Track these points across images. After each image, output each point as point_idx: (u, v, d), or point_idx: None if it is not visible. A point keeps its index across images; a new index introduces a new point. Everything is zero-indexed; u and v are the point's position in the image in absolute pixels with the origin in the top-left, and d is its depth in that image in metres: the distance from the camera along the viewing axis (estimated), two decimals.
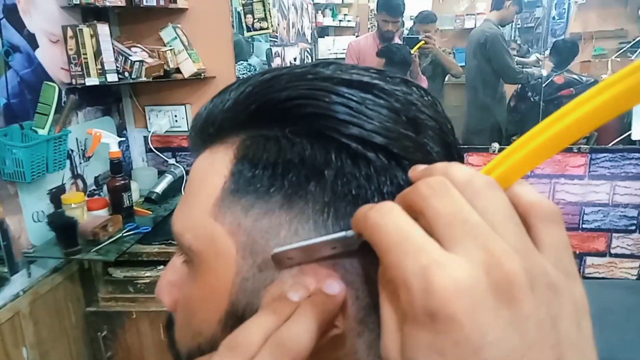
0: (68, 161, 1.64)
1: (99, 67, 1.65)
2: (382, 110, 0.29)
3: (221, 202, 0.30)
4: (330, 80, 0.30)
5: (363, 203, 0.27)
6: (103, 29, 1.65)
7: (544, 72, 2.47)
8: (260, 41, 1.97)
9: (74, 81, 1.65)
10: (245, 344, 0.24)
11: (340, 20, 3.21)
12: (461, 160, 0.32)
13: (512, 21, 2.57)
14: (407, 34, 2.54)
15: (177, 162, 2.04)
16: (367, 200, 0.28)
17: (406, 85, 0.31)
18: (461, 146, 0.33)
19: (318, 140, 0.28)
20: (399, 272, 0.21)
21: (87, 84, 1.64)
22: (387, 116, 0.29)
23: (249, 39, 1.96)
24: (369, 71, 0.31)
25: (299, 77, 0.30)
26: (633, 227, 1.89)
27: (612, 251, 1.94)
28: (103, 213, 1.62)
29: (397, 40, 2.44)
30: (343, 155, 0.28)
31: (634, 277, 1.95)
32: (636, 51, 2.38)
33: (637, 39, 2.39)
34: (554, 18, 2.93)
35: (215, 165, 0.31)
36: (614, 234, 1.92)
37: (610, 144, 1.94)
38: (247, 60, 1.97)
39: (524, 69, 2.51)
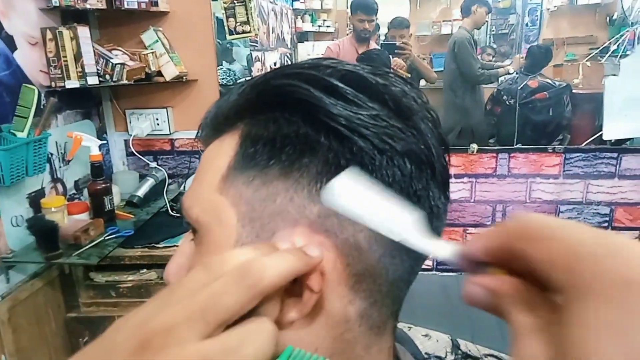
0: (48, 165, 1.61)
1: (79, 69, 1.63)
2: (369, 101, 0.32)
3: (226, 178, 0.33)
4: (323, 69, 0.33)
5: None
6: (83, 31, 1.64)
7: (511, 69, 2.60)
8: (239, 46, 1.98)
9: (53, 84, 1.63)
10: (217, 264, 0.27)
11: (319, 26, 3.24)
12: (447, 150, 0.36)
13: (485, 22, 2.69)
14: (384, 40, 2.64)
15: (158, 165, 2.03)
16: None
17: (394, 78, 0.35)
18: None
19: (311, 122, 0.31)
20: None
21: (67, 86, 1.62)
22: (373, 107, 0.32)
23: (228, 44, 1.97)
24: (359, 65, 0.35)
25: (297, 67, 0.34)
26: (606, 224, 1.96)
27: None
28: (84, 217, 1.60)
29: (373, 44, 2.51)
30: (331, 136, 0.31)
31: None
32: (605, 56, 2.47)
33: (606, 45, 2.49)
34: (527, 25, 3.03)
35: (222, 148, 0.35)
36: None
37: (583, 144, 2.01)
38: (224, 65, 1.98)
39: (487, 71, 2.63)
